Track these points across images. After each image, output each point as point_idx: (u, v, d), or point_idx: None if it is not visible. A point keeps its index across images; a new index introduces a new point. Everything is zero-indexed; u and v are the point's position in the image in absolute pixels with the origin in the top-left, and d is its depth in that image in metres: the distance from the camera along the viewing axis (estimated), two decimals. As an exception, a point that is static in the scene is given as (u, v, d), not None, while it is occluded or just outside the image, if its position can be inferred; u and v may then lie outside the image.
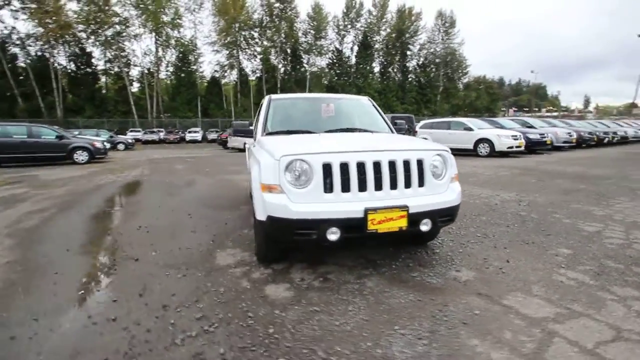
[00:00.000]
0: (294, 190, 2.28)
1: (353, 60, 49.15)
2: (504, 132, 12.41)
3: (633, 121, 22.37)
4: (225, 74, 44.40)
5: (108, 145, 15.60)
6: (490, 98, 58.21)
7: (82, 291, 2.46)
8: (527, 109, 72.09)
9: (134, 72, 40.65)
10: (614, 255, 2.91)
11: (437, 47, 50.26)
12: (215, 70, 43.93)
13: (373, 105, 3.99)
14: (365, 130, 3.41)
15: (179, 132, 35.29)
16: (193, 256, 3.10)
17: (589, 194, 5.38)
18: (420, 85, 50.70)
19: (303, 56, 46.54)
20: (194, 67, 42.49)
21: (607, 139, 16.54)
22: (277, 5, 42.21)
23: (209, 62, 55.74)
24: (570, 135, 14.52)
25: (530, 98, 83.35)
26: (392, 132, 3.64)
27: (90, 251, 3.34)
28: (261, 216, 2.41)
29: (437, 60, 50.38)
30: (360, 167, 2.31)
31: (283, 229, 2.27)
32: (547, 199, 5.15)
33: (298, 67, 46.85)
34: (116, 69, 38.73)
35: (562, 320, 1.96)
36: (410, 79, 51.13)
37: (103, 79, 40.44)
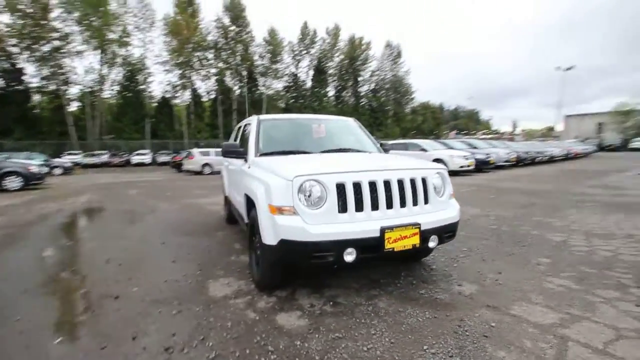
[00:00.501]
0: (308, 212, 2.22)
1: (309, 84, 50.55)
2: (456, 153, 13.43)
3: (558, 142, 25.59)
4: (177, 94, 42.79)
5: (45, 170, 13.97)
6: (435, 122, 63.16)
7: (60, 339, 2.11)
8: (466, 132, 78.94)
9: (74, 90, 37.49)
10: (585, 261, 3.22)
11: (386, 75, 53.70)
12: (167, 90, 42.21)
13: (359, 126, 4.11)
14: (358, 150, 3.48)
15: (124, 154, 32.89)
16: (183, 289, 2.83)
17: (543, 207, 5.97)
18: (372, 109, 53.38)
19: (259, 79, 46.78)
20: (143, 86, 40.41)
21: (539, 158, 18.67)
22: (232, 28, 42.34)
23: (160, 82, 53.29)
24: (510, 155, 16.15)
25: (467, 122, 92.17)
26: (380, 151, 3.75)
27: (55, 291, 2.89)
28: (271, 240, 2.29)
29: (387, 86, 53.71)
30: (372, 186, 2.34)
31: (300, 252, 2.18)
32: (510, 213, 5.60)
33: (254, 89, 46.87)
34: (52, 87, 35.39)
35: (568, 325, 2.10)
36: (363, 103, 53.70)
37: (37, 97, 36.65)
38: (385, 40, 58.28)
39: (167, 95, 42.57)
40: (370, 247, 2.22)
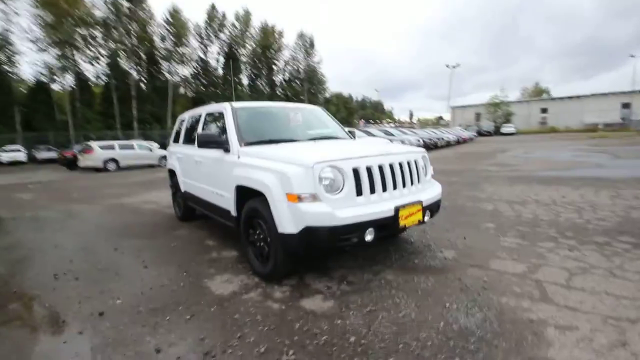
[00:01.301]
0: (329, 197, 2.28)
1: (220, 71, 47.80)
2: (379, 140, 14.61)
3: (450, 129, 29.93)
4: (57, 78, 35.59)
5: None
6: (347, 111, 66.74)
7: (59, 370, 1.75)
8: (373, 121, 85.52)
9: None
10: (518, 223, 4.01)
11: (300, 64, 54.20)
12: (42, 73, 34.71)
13: (328, 114, 4.21)
14: (339, 138, 3.60)
15: (-15, 152, 26.24)
16: (179, 293, 2.59)
17: (464, 184, 7.05)
18: (287, 99, 53.40)
19: (162, 63, 42.16)
20: (7, 67, 32.39)
21: (439, 143, 21.61)
22: (125, 4, 36.87)
23: (32, 63, 42.93)
24: (419, 141, 18.29)
25: (373, 112, 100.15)
26: (351, 137, 3.95)
27: (11, 319, 2.31)
28: (291, 229, 2.28)
29: (301, 76, 54.33)
30: (381, 169, 2.51)
31: (327, 237, 2.22)
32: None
33: (156, 74, 42.12)
34: None
35: (535, 271, 2.66)
36: (278, 93, 53.34)
37: None
38: (297, 30, 58.44)
39: (43, 79, 35.12)
40: (387, 226, 2.41)
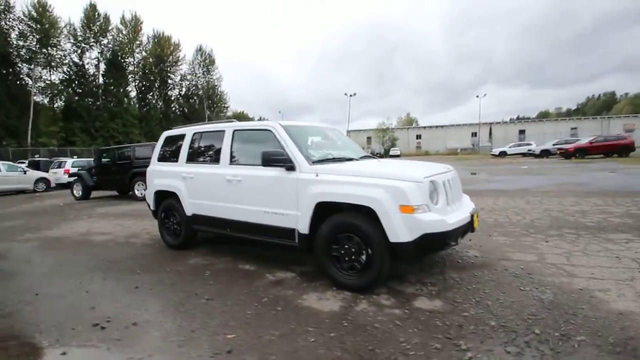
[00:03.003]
0: (435, 207, 2.66)
1: (101, 80, 41.52)
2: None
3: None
4: None
5: None
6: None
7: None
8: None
9: None
10: (491, 225, 5.07)
11: (199, 80, 51.60)
12: None
13: (342, 133, 4.54)
14: (371, 157, 3.97)
15: None
16: (285, 317, 2.50)
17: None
18: (185, 115, 50.00)
19: (21, 65, 34.15)
20: None
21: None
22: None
23: None
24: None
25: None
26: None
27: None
28: (406, 237, 2.54)
29: (200, 93, 51.71)
30: (451, 183, 3.02)
31: (439, 241, 2.59)
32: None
33: (12, 77, 33.81)
34: None
35: (544, 257, 3.54)
36: (174, 108, 49.40)
37: None
38: (195, 43, 55.66)
39: None
40: (467, 229, 2.91)
